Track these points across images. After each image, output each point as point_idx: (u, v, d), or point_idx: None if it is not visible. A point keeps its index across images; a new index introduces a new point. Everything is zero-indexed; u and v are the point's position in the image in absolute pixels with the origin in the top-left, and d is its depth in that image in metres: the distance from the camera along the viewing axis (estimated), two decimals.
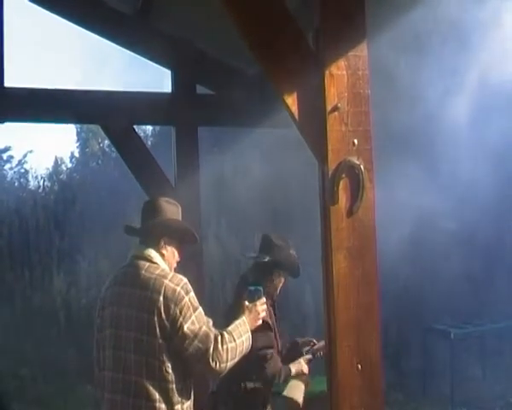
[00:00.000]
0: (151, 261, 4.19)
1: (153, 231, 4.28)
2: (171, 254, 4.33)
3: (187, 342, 4.01)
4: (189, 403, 4.18)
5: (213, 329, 4.13)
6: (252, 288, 4.55)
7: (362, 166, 3.55)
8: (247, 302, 4.45)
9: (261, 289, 4.53)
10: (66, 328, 13.14)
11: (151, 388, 4.02)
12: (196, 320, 4.05)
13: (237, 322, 4.32)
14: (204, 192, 6.98)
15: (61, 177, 18.25)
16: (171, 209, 4.38)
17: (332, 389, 3.65)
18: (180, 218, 4.44)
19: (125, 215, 12.85)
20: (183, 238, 4.43)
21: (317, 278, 3.92)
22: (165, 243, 4.28)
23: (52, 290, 13.80)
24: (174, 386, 4.07)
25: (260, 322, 4.53)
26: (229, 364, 4.13)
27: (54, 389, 11.74)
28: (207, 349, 4.02)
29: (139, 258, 4.23)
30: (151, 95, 6.31)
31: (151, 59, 6.76)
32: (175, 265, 4.34)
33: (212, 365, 4.04)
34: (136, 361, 4.04)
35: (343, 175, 3.52)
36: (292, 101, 3.52)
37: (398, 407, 9.59)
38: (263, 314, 4.51)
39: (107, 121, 6.00)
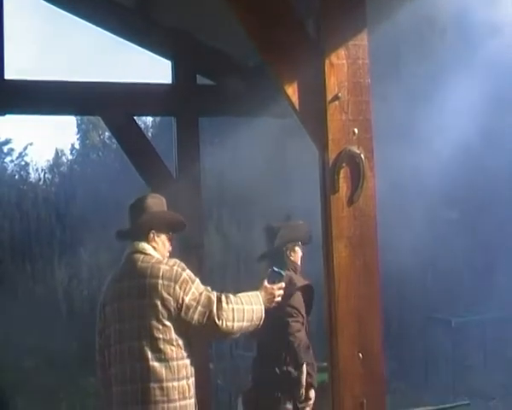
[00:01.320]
0: (145, 253, 4.29)
1: (141, 227, 4.36)
2: (162, 244, 4.44)
3: (191, 311, 4.11)
4: (192, 379, 4.26)
5: (215, 292, 4.22)
6: (275, 269, 4.66)
7: (362, 155, 3.55)
8: (266, 282, 4.54)
9: (283, 273, 4.64)
10: (68, 319, 13.18)
11: (157, 369, 4.11)
12: (196, 290, 4.15)
13: (250, 293, 4.42)
14: (205, 183, 6.99)
15: (62, 169, 18.26)
16: (156, 202, 4.48)
17: (333, 379, 3.66)
18: (165, 209, 4.54)
19: (125, 207, 12.91)
20: (171, 227, 4.52)
21: None
22: (154, 236, 4.38)
23: (54, 282, 13.84)
24: (179, 363, 4.17)
25: (274, 305, 4.59)
26: (237, 325, 4.22)
27: (56, 381, 11.78)
28: (211, 310, 4.12)
29: (133, 253, 4.33)
30: (151, 86, 6.29)
31: (151, 50, 6.75)
32: (167, 254, 4.42)
33: (219, 323, 4.13)
34: (140, 347, 4.12)
35: (343, 164, 3.53)
36: (292, 91, 3.52)
37: (400, 395, 9.60)
38: (278, 299, 4.56)
39: (107, 113, 5.99)
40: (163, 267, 4.17)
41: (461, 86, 10.29)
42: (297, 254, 5.30)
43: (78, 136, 19.85)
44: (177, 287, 4.12)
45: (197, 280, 4.20)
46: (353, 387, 3.59)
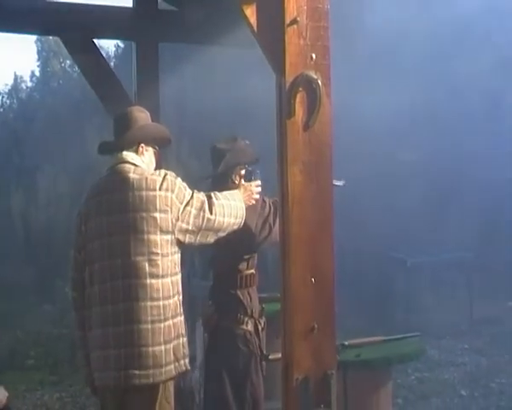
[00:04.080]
0: (135, 165, 4.26)
1: (130, 139, 4.33)
2: (149, 159, 4.44)
3: (186, 217, 4.18)
4: (181, 296, 4.29)
5: (202, 192, 4.35)
6: (249, 168, 4.88)
7: (319, 81, 3.55)
8: (243, 181, 4.75)
9: (258, 171, 4.84)
10: (24, 246, 13.10)
11: (155, 286, 4.11)
12: (188, 195, 4.23)
13: (231, 191, 4.59)
14: (166, 114, 6.94)
15: (21, 96, 17.99)
16: (142, 116, 4.46)
17: (285, 303, 3.70)
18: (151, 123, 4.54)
19: (84, 135, 12.81)
20: (159, 141, 4.51)
21: None
22: (143, 149, 4.36)
23: (10, 208, 13.71)
24: (173, 279, 4.20)
25: (253, 202, 4.83)
26: (227, 220, 4.35)
27: (11, 307, 11.76)
28: (204, 209, 4.23)
29: (122, 164, 4.28)
30: (112, 8, 6.18)
31: None
32: (152, 170, 4.39)
33: (212, 217, 4.26)
34: (136, 263, 4.11)
35: (300, 89, 3.52)
36: (251, 11, 3.50)
37: (354, 333, 9.75)
38: (256, 196, 4.82)
39: (67, 34, 5.89)
40: (158, 179, 4.17)
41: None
42: (242, 178, 5.26)
43: (38, 63, 19.53)
44: (174, 197, 4.15)
45: (186, 185, 4.26)
46: (305, 311, 3.64)
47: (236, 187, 4.97)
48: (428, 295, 11.86)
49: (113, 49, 17.71)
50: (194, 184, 4.49)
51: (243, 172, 5.18)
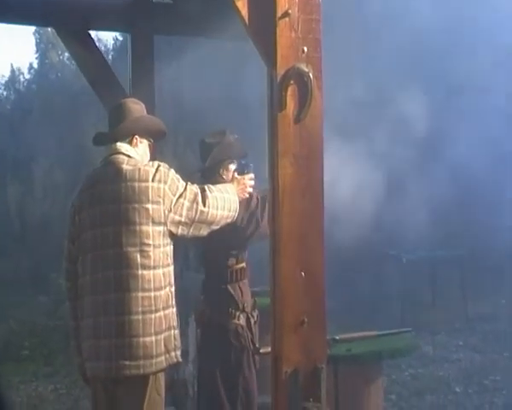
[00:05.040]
0: (128, 156, 4.27)
1: (124, 131, 4.33)
2: (144, 151, 4.43)
3: (179, 208, 4.19)
4: (174, 287, 4.31)
5: (195, 184, 4.36)
6: (243, 162, 4.90)
7: (311, 74, 3.54)
8: (236, 174, 4.77)
9: (251, 164, 4.85)
10: (20, 237, 13.09)
11: (146, 277, 4.12)
12: (182, 187, 4.24)
13: (224, 184, 4.63)
14: (161, 105, 6.93)
15: (18, 87, 17.98)
16: (137, 108, 4.45)
17: (275, 296, 3.69)
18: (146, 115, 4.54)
19: (81, 127, 12.79)
20: (153, 134, 4.51)
21: None
22: (137, 141, 4.36)
23: (6, 199, 13.69)
24: (165, 270, 4.22)
25: (247, 195, 4.88)
26: (220, 213, 4.37)
27: (6, 299, 11.75)
28: (197, 201, 4.24)
29: (115, 154, 4.28)
30: (107, 0, 6.19)
31: None
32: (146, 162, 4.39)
33: (205, 210, 4.27)
34: (128, 253, 4.11)
35: (291, 81, 3.52)
36: (242, 4, 3.49)
37: (349, 328, 9.74)
38: (250, 190, 4.84)
39: (62, 25, 5.89)
40: (151, 170, 4.17)
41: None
42: (230, 173, 5.24)
43: (36, 55, 19.48)
44: (167, 188, 4.16)
45: (179, 177, 4.27)
46: (294, 305, 3.63)
47: (224, 181, 4.99)
48: (424, 291, 11.87)
49: (112, 41, 17.71)
50: (187, 177, 4.49)
51: (232, 166, 5.19)
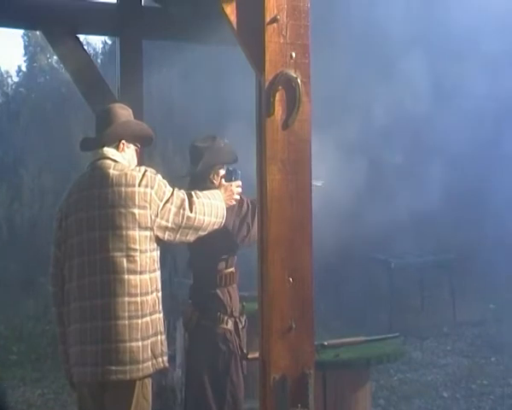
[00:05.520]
0: (115, 161, 4.25)
1: (111, 136, 4.31)
2: (131, 156, 4.42)
3: (166, 214, 4.18)
4: (161, 293, 4.30)
5: (182, 190, 4.36)
6: (230, 168, 4.91)
7: (299, 80, 3.53)
8: (223, 181, 4.78)
9: (239, 171, 4.86)
10: (8, 242, 13.03)
11: (132, 282, 4.11)
12: (169, 192, 4.23)
13: (211, 191, 4.59)
14: (150, 110, 6.93)
15: (6, 90, 17.89)
16: (124, 113, 4.43)
17: (263, 302, 3.69)
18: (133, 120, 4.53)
19: (70, 132, 12.76)
20: (140, 139, 4.49)
21: None
22: (124, 146, 4.35)
23: None
24: (151, 276, 4.20)
25: (234, 202, 4.88)
26: (207, 219, 4.35)
27: None
28: (184, 207, 4.22)
29: (102, 159, 4.27)
30: (95, 4, 6.19)
31: None
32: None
33: (192, 215, 4.26)
34: (114, 259, 4.10)
35: (279, 87, 3.51)
36: (231, 9, 3.49)
37: (337, 333, 9.76)
38: (237, 196, 4.84)
39: (50, 28, 5.87)
40: (138, 175, 4.16)
41: None
42: (219, 178, 5.22)
43: (25, 58, 19.43)
44: (154, 193, 4.14)
45: (166, 182, 4.26)
46: (282, 311, 3.62)
47: (214, 186, 4.98)
48: (412, 296, 11.89)
49: (101, 45, 17.67)
50: (176, 181, 4.49)
51: (222, 171, 5.18)
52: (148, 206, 4.11)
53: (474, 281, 11.53)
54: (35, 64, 18.68)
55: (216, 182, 5.17)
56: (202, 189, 4.65)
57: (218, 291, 5.23)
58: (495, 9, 10.43)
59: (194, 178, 5.27)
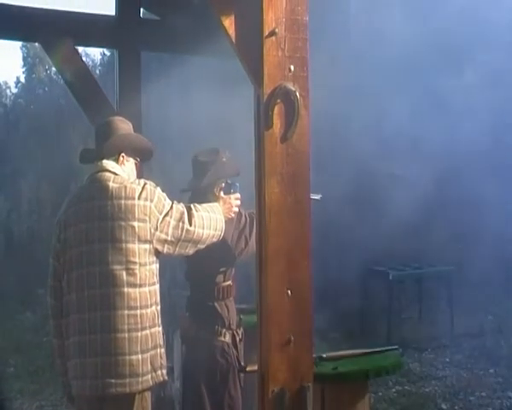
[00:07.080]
0: (115, 173, 4.25)
1: (110, 148, 4.31)
2: (131, 169, 4.41)
3: (165, 227, 4.17)
4: (160, 306, 4.29)
5: (181, 203, 4.35)
6: (229, 181, 4.88)
7: (297, 93, 3.54)
8: (222, 194, 4.76)
9: (237, 184, 4.86)
10: (6, 253, 13.04)
11: (132, 295, 4.10)
12: (168, 205, 4.22)
13: (210, 204, 4.58)
14: (149, 122, 6.93)
15: (5, 101, 17.92)
16: (124, 127, 4.43)
17: (261, 315, 3.69)
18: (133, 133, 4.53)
19: (69, 143, 12.78)
20: (140, 153, 4.48)
21: None
22: (123, 159, 4.34)
23: None
24: (151, 289, 4.19)
25: (232, 215, 4.88)
26: (206, 232, 4.35)
27: None
28: (183, 220, 4.22)
29: (102, 172, 4.27)
30: (94, 16, 6.18)
31: None
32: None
33: (191, 229, 4.25)
34: (114, 271, 4.09)
35: (278, 100, 3.52)
36: (229, 22, 3.50)
37: (335, 345, 9.74)
38: (235, 209, 4.84)
39: (49, 41, 5.87)
40: (137, 188, 4.15)
41: None
42: (218, 190, 5.20)
43: (23, 69, 19.47)
44: (153, 206, 4.14)
45: (165, 195, 4.25)
46: (281, 324, 3.62)
47: (216, 200, 4.97)
48: (410, 308, 11.87)
49: (99, 57, 17.71)
50: (175, 195, 4.48)
51: (223, 184, 5.17)
52: (147, 219, 4.11)
53: (473, 293, 11.51)
54: (34, 75, 18.73)
55: (218, 194, 5.16)
56: (205, 202, 4.65)
57: (216, 304, 5.22)
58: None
59: (196, 192, 5.24)
